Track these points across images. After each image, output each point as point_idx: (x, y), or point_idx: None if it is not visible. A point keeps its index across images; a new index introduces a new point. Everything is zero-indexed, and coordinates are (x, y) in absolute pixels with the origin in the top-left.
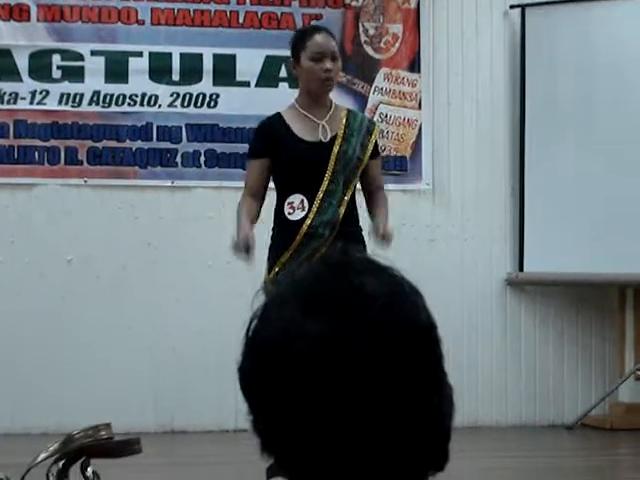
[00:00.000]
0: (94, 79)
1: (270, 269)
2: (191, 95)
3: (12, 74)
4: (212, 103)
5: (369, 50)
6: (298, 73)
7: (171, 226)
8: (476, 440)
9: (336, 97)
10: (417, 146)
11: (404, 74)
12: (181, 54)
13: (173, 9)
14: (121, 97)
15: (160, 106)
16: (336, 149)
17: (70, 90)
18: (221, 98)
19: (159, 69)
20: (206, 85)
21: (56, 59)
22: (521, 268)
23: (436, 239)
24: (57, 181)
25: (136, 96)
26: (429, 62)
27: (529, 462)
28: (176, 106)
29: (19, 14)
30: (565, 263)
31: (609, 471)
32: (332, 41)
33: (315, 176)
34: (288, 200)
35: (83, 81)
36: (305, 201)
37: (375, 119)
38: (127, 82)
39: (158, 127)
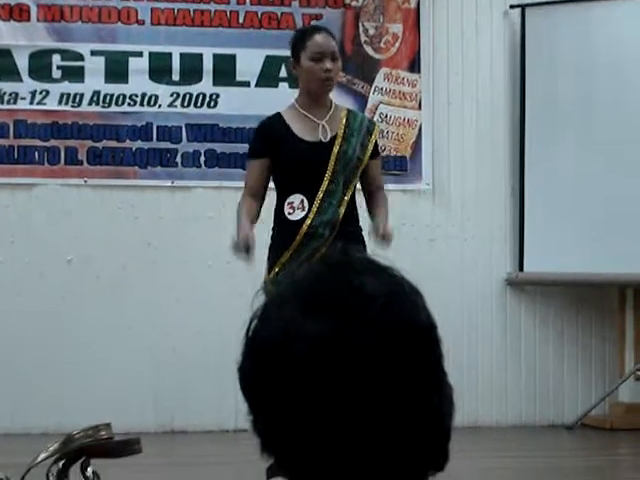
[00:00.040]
0: (94, 79)
1: (270, 269)
2: (191, 95)
3: (12, 74)
4: (212, 103)
5: (369, 50)
6: (298, 73)
7: (171, 226)
8: (476, 440)
9: (336, 97)
10: (417, 146)
11: (404, 74)
12: (181, 54)
13: (173, 9)
14: (121, 97)
15: (160, 106)
16: (336, 149)
17: (70, 90)
18: (221, 98)
19: (159, 69)
20: (206, 85)
21: (56, 59)
22: (521, 268)
23: (436, 239)
24: (57, 181)
25: (136, 96)
26: (429, 62)
27: (529, 462)
28: (176, 106)
29: (19, 14)
30: (565, 263)
31: (609, 471)
32: (332, 41)
33: (315, 176)
34: (288, 200)
35: (83, 81)
36: (305, 201)
37: (375, 119)
38: (127, 82)
39: (158, 127)
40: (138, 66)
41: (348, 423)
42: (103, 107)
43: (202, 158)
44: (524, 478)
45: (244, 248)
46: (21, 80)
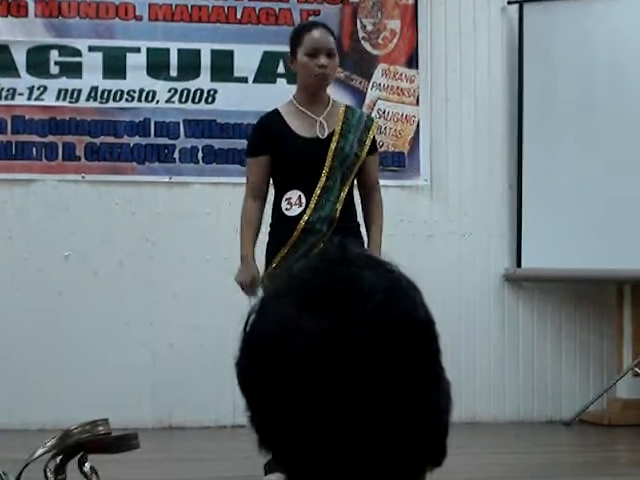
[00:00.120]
0: (92, 75)
1: (268, 264)
2: (189, 91)
3: (10, 70)
4: (210, 99)
5: (367, 46)
6: (295, 69)
7: (169, 222)
8: (474, 436)
9: (334, 93)
10: (415, 142)
11: (402, 70)
12: (179, 50)
13: (171, 5)
14: (119, 93)
15: (158, 102)
16: (333, 145)
17: (68, 86)
18: (219, 94)
19: (157, 65)
20: (204, 81)
21: (54, 55)
22: (519, 264)
23: (434, 235)
24: (55, 177)
25: (134, 92)
26: (427, 58)
27: (527, 458)
28: (174, 102)
29: (17, 10)
30: (563, 259)
31: (607, 467)
32: (329, 37)
33: (312, 172)
34: (286, 196)
35: (81, 77)
36: (302, 197)
37: (373, 115)
38: (125, 78)
39: (156, 123)
40: (136, 62)
41: (346, 418)
42: (101, 103)
43: (200, 154)
44: (522, 474)
45: (251, 291)
46: (19, 76)
